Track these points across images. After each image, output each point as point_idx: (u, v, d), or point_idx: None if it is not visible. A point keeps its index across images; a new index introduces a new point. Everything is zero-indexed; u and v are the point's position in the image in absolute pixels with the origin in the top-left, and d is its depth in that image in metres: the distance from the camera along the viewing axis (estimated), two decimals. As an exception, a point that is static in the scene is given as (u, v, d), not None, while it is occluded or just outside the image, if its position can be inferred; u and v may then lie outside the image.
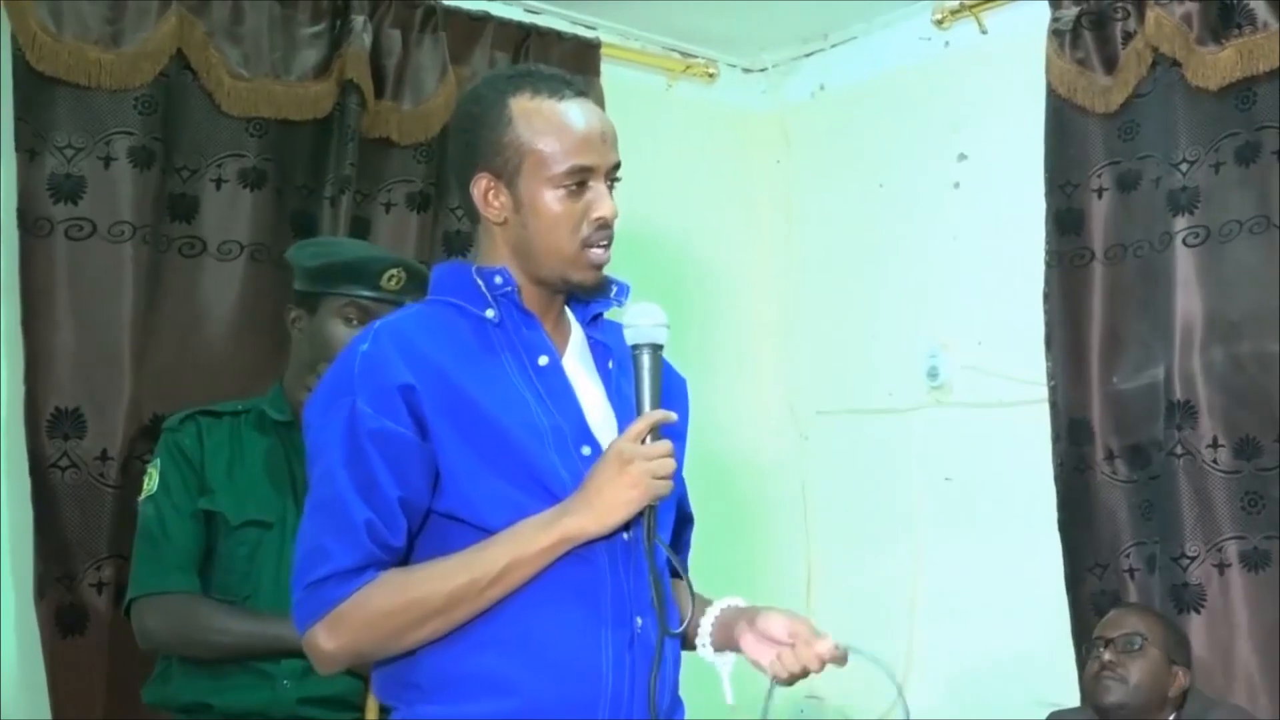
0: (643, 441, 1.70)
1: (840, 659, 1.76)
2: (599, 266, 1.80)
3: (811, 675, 1.78)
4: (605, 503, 1.68)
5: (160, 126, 3.04)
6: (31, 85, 2.91)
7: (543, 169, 1.76)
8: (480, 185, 1.79)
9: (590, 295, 1.84)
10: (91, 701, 2.87)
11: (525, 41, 3.61)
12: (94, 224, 2.95)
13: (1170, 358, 3.11)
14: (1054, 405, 3.32)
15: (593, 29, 3.82)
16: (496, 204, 1.79)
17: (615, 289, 1.86)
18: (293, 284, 2.60)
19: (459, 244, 3.47)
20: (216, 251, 3.13)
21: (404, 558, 1.73)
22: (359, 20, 3.26)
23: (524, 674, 1.70)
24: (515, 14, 3.67)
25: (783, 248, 4.21)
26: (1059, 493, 3.30)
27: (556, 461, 1.73)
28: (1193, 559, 3.05)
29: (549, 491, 1.71)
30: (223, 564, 2.45)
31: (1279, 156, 3.01)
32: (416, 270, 2.56)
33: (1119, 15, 3.24)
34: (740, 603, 1.87)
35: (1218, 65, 3.05)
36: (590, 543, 1.71)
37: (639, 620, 1.75)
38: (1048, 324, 3.33)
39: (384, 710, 2.49)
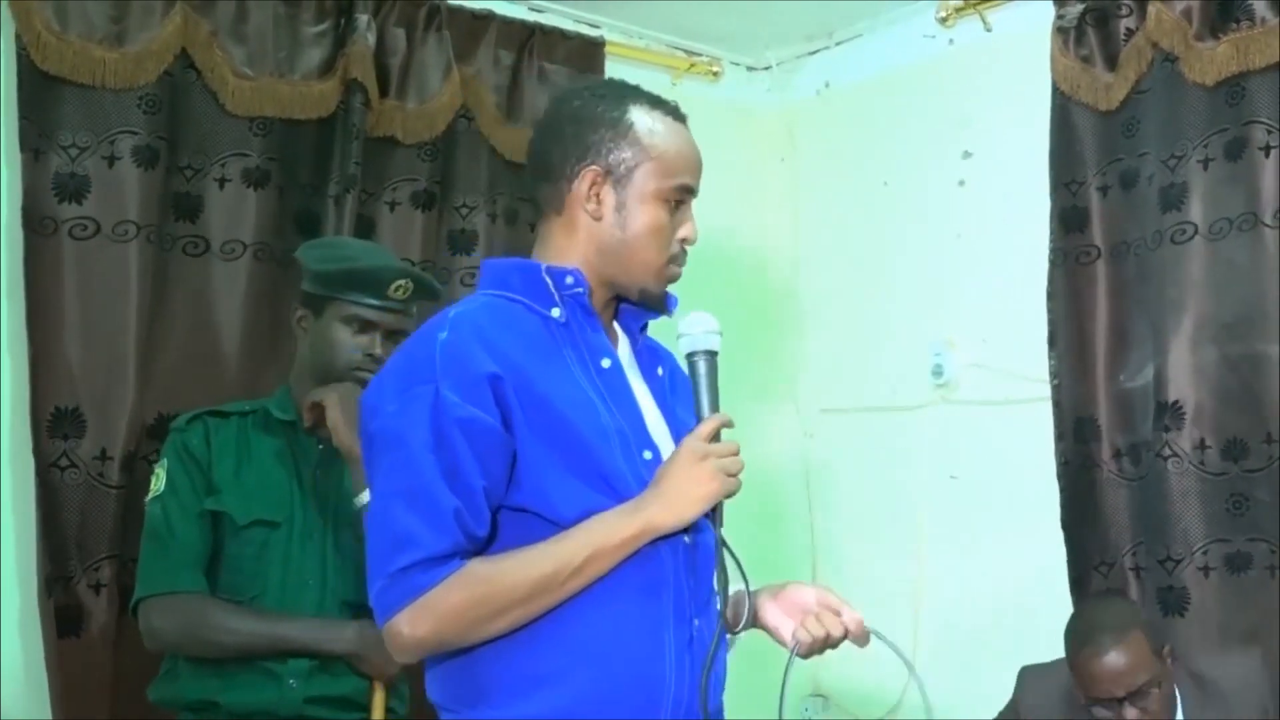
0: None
1: (863, 636, 1.81)
2: (670, 282, 1.87)
3: (828, 651, 1.82)
4: (683, 497, 1.72)
5: (165, 126, 3.04)
6: (36, 84, 2.91)
7: (656, 179, 1.82)
8: (587, 179, 1.83)
9: (651, 306, 1.87)
10: (92, 702, 2.87)
11: (529, 40, 3.61)
12: (98, 223, 2.95)
13: (1160, 357, 3.10)
14: (1057, 404, 3.32)
15: (597, 27, 3.82)
16: (598, 200, 1.82)
17: (666, 300, 1.90)
18: (300, 283, 2.60)
19: (463, 242, 3.47)
20: (221, 251, 3.12)
21: (483, 548, 1.74)
22: (363, 19, 3.26)
23: (587, 672, 1.72)
24: (519, 12, 3.66)
25: (788, 245, 4.21)
26: (1062, 491, 3.30)
27: (622, 463, 1.76)
28: (1177, 561, 3.04)
29: (615, 491, 1.75)
30: (230, 564, 2.45)
31: (1265, 152, 2.99)
32: (423, 280, 2.59)
33: (1122, 12, 3.24)
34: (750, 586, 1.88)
35: (1214, 60, 3.05)
36: (656, 544, 1.74)
37: (696, 621, 1.79)
38: (1051, 322, 3.33)
39: (391, 711, 2.51)
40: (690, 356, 1.82)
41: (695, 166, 1.87)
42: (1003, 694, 3.10)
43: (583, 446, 1.73)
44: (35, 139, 2.91)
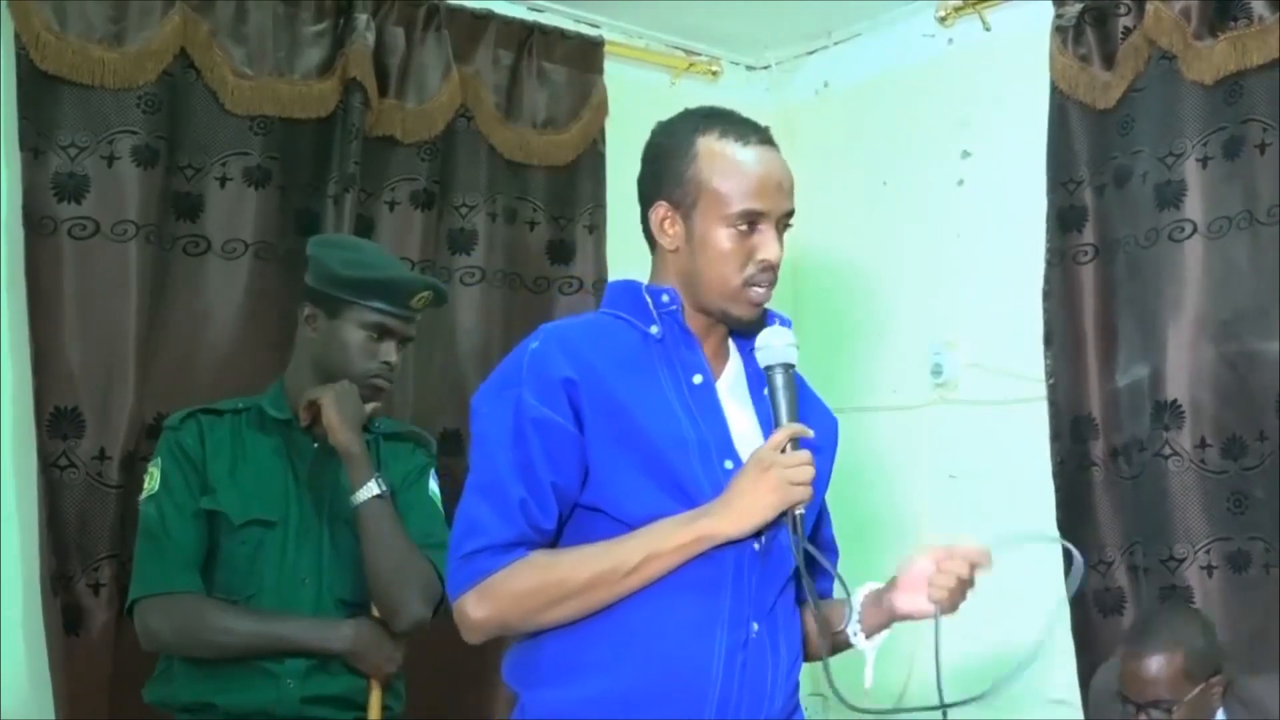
0: (782, 451, 1.80)
1: (987, 560, 1.89)
2: (757, 305, 1.92)
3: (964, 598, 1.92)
4: (745, 506, 1.78)
5: (164, 125, 3.04)
6: (35, 84, 2.91)
7: (718, 207, 1.88)
8: (658, 213, 1.93)
9: (747, 329, 1.93)
10: (94, 701, 2.87)
11: (528, 40, 3.61)
12: (97, 223, 2.95)
13: (1158, 356, 3.10)
14: (1053, 404, 3.32)
15: (596, 27, 3.82)
16: (671, 232, 1.92)
17: (777, 323, 1.95)
18: (308, 280, 2.58)
19: (463, 241, 3.48)
20: (221, 250, 3.13)
21: (552, 541, 1.84)
22: (362, 19, 3.26)
23: (633, 664, 1.80)
24: (519, 12, 3.66)
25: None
26: (1058, 490, 3.30)
27: (699, 471, 1.83)
28: (1180, 560, 3.04)
29: (688, 496, 1.82)
30: (225, 563, 2.45)
31: (1260, 150, 2.99)
32: (440, 290, 2.62)
33: (1121, 11, 3.23)
34: (877, 585, 1.94)
35: (1212, 58, 3.04)
36: (720, 546, 1.80)
37: (755, 625, 1.85)
38: (1047, 322, 3.33)
39: (387, 709, 2.51)
40: (768, 369, 1.88)
41: (766, 188, 1.90)
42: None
43: (656, 452, 1.81)
44: (35, 139, 2.92)
